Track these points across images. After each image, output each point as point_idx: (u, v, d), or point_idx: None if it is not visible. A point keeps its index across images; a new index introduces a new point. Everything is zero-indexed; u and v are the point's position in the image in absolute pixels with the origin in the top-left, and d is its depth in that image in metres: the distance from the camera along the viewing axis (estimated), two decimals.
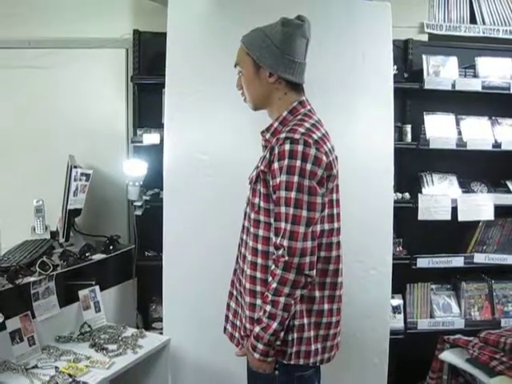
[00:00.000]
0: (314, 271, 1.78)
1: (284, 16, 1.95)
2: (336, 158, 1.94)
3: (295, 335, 1.84)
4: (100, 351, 2.51)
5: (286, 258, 1.73)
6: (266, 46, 1.89)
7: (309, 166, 1.74)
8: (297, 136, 1.76)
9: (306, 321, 1.86)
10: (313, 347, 1.87)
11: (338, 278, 1.93)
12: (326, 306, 1.90)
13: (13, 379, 2.19)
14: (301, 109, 1.93)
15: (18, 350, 2.31)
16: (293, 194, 1.73)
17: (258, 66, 1.93)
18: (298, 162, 1.73)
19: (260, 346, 1.78)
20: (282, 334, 1.78)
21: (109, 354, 2.47)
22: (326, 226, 1.85)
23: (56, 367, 2.30)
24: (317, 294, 1.87)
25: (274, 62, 1.89)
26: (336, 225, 1.89)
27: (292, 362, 1.84)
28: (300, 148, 1.74)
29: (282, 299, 1.74)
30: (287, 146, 1.75)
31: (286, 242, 1.73)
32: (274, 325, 1.75)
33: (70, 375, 2.21)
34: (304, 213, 1.73)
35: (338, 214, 1.93)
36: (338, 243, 1.93)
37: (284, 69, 1.89)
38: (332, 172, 1.84)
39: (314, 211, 1.75)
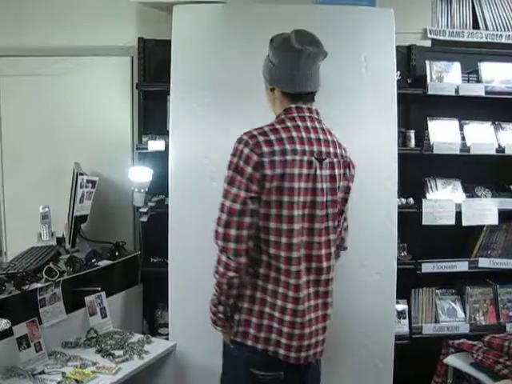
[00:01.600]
0: (242, 259, 1.92)
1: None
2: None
3: (242, 316, 2.00)
4: (106, 357, 2.52)
5: (215, 240, 1.95)
6: (265, 62, 2.10)
7: (240, 163, 1.90)
8: (244, 137, 1.95)
9: (252, 306, 1.99)
10: (262, 335, 1.97)
11: (299, 279, 1.95)
12: (269, 299, 1.97)
13: None
14: (294, 113, 2.03)
15: (25, 355, 2.33)
16: (224, 186, 1.94)
17: (265, 80, 2.12)
18: (234, 159, 1.93)
19: (209, 314, 2.07)
20: (220, 307, 2.02)
21: (115, 360, 2.48)
22: (284, 226, 1.92)
23: (63, 373, 2.31)
24: (269, 286, 1.97)
25: (269, 75, 2.08)
26: (296, 226, 1.93)
27: (238, 340, 2.01)
28: (239, 147, 1.93)
29: (216, 276, 1.98)
30: (235, 145, 1.96)
31: (214, 226, 1.95)
32: (212, 297, 2.03)
33: (76, 381, 2.22)
34: (227, 203, 1.91)
35: (302, 216, 1.97)
36: (299, 244, 1.96)
37: (275, 81, 2.06)
38: (265, 172, 1.89)
39: (236, 203, 1.89)
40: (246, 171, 1.89)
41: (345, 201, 2.14)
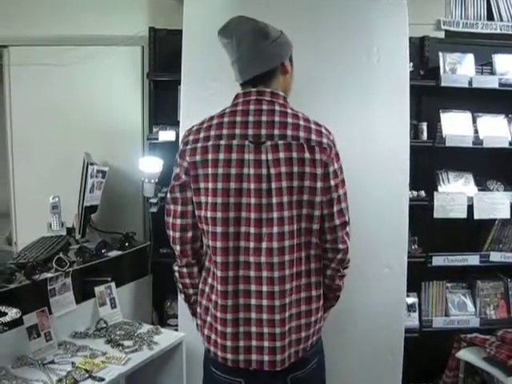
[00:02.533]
0: (183, 260, 1.96)
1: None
2: (219, 145, 1.84)
3: (198, 309, 1.98)
4: (116, 347, 2.52)
5: None
6: None
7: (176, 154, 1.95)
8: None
9: (201, 300, 1.96)
10: (206, 332, 1.94)
11: (226, 271, 1.83)
12: (208, 293, 1.91)
13: (30, 374, 2.21)
14: (239, 98, 1.94)
15: (34, 345, 2.34)
16: None
17: None
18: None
19: None
20: (184, 298, 2.06)
21: (125, 350, 2.48)
22: (209, 214, 1.82)
23: (72, 363, 2.32)
24: (209, 280, 1.92)
25: None
26: (220, 214, 1.80)
27: (198, 331, 2.02)
28: None
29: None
30: None
31: None
32: None
33: (86, 371, 2.22)
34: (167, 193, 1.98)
35: (227, 204, 1.82)
36: (224, 234, 1.82)
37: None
38: (187, 159, 1.86)
39: (168, 192, 1.96)
40: (176, 161, 1.92)
41: (313, 190, 1.82)
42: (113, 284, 2.88)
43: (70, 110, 3.39)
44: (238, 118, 1.86)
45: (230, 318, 1.82)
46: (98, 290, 2.82)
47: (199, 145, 1.84)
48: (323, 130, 1.89)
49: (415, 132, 3.33)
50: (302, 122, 1.86)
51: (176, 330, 2.89)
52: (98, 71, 3.39)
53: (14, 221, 3.52)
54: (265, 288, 1.80)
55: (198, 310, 1.96)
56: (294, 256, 1.83)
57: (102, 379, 2.18)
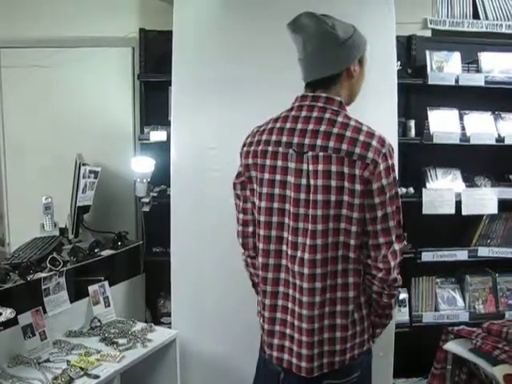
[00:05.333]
0: (246, 252, 2.03)
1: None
2: (266, 151, 1.85)
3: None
4: (110, 345, 2.55)
5: None
6: None
7: None
8: None
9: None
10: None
11: (266, 272, 1.88)
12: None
13: (26, 373, 2.23)
14: (296, 102, 1.90)
15: (30, 344, 2.36)
16: None
17: None
18: None
19: None
20: (252, 285, 2.09)
21: (119, 348, 2.51)
22: (256, 216, 1.91)
23: (67, 361, 2.34)
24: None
25: None
26: (263, 218, 1.86)
27: None
28: None
29: None
30: None
31: None
32: None
33: (81, 368, 2.25)
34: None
35: (271, 208, 1.86)
36: (267, 236, 1.86)
37: None
38: (242, 161, 1.94)
39: (234, 198, 2.03)
40: (239, 170, 1.98)
41: (351, 205, 1.74)
42: (106, 283, 2.91)
43: (62, 111, 3.40)
44: (288, 125, 1.84)
45: (268, 316, 1.88)
46: (91, 289, 2.84)
47: (252, 148, 1.88)
48: (373, 143, 1.76)
49: (403, 129, 3.36)
50: (348, 133, 1.77)
51: (169, 327, 2.92)
52: (89, 73, 3.39)
53: (6, 222, 3.53)
54: (297, 295, 1.81)
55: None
56: (327, 269, 1.78)
57: (97, 376, 2.21)
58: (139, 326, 2.82)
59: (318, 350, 1.81)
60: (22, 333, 2.34)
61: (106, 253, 3.02)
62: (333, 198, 1.75)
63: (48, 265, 2.56)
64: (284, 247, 1.84)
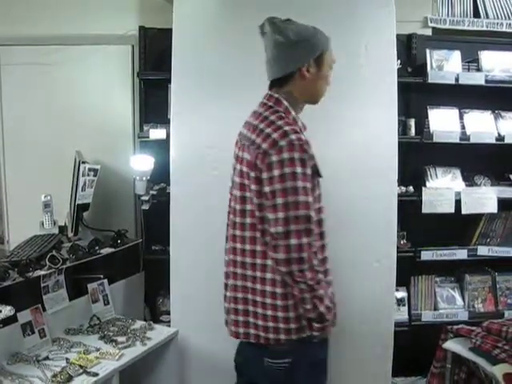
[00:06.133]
0: None
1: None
2: (242, 145, 2.08)
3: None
4: (109, 343, 2.55)
5: None
6: None
7: None
8: None
9: None
10: None
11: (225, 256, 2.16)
12: None
13: (25, 370, 2.23)
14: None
15: (29, 341, 2.37)
16: None
17: None
18: None
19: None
20: None
21: (118, 346, 2.51)
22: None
23: (67, 358, 2.34)
24: None
25: None
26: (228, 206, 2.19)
27: None
28: None
29: None
30: None
31: None
32: None
33: (80, 366, 2.25)
34: None
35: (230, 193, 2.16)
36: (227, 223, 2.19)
37: None
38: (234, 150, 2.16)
39: None
40: None
41: (249, 188, 1.99)
42: (105, 281, 2.91)
43: (61, 109, 3.40)
44: (248, 119, 2.10)
45: (224, 294, 2.19)
46: (90, 286, 2.84)
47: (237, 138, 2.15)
48: (273, 135, 1.91)
49: (403, 128, 3.36)
50: (262, 125, 1.97)
51: (168, 325, 2.92)
52: (88, 70, 3.40)
53: (6, 219, 3.53)
54: (232, 268, 2.10)
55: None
56: (243, 246, 2.03)
57: (96, 374, 2.21)
58: (138, 324, 2.83)
59: (243, 319, 2.05)
60: (22, 330, 2.34)
61: (106, 251, 3.02)
62: (241, 180, 2.02)
63: (47, 263, 2.56)
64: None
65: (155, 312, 3.35)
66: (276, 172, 1.88)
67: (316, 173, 2.01)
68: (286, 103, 2.03)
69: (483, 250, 3.42)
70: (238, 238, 2.04)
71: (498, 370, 2.32)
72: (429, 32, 3.60)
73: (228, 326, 2.14)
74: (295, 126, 1.97)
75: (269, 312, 1.98)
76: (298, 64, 2.02)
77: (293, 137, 1.89)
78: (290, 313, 1.96)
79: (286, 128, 1.91)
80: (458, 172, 3.46)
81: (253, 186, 1.95)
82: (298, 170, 1.87)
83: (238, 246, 2.05)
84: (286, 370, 2.00)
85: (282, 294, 1.96)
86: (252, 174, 1.95)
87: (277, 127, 1.92)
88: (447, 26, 3.60)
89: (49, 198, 3.03)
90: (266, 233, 1.95)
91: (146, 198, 3.19)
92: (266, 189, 1.90)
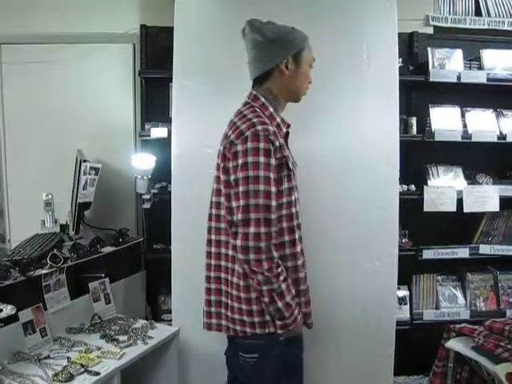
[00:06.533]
0: None
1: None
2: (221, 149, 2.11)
3: None
4: (111, 342, 2.55)
5: None
6: None
7: None
8: None
9: None
10: None
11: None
12: None
13: (26, 369, 2.23)
14: None
15: (30, 340, 2.37)
16: None
17: None
18: None
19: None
20: None
21: (120, 345, 2.51)
22: None
23: (68, 357, 2.34)
24: None
25: None
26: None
27: None
28: None
29: None
30: None
31: None
32: None
33: (82, 365, 2.25)
34: None
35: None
36: None
37: None
38: None
39: None
40: None
41: (219, 180, 2.10)
42: (107, 280, 2.91)
43: (63, 107, 3.40)
44: (231, 117, 2.13)
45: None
46: (92, 285, 2.84)
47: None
48: (241, 126, 2.00)
49: (405, 127, 3.36)
50: (236, 120, 2.06)
51: (170, 324, 2.91)
52: (89, 69, 3.40)
53: (7, 218, 3.53)
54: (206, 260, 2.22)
55: None
56: (218, 237, 2.11)
57: (98, 373, 2.21)
58: (140, 322, 2.83)
59: (216, 310, 2.13)
60: (23, 329, 2.34)
61: (107, 249, 3.02)
62: (217, 173, 2.09)
63: (49, 261, 2.56)
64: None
65: (156, 311, 3.35)
66: (240, 161, 1.94)
67: (286, 165, 2.02)
68: (262, 99, 2.11)
69: (485, 249, 3.41)
70: (214, 229, 2.12)
71: (501, 369, 2.31)
72: (430, 30, 3.59)
73: (203, 318, 2.20)
74: (266, 119, 2.03)
75: (235, 304, 2.03)
76: (276, 61, 2.09)
77: (259, 127, 1.95)
78: (252, 306, 2.00)
79: (254, 120, 1.98)
80: (459, 170, 3.46)
81: (222, 177, 2.04)
82: (261, 159, 1.92)
83: (213, 237, 2.12)
84: (256, 365, 2.03)
85: (244, 287, 2.00)
86: (222, 165, 2.04)
87: (246, 120, 2.01)
88: (449, 25, 3.60)
89: (50, 196, 3.03)
90: (221, 218, 2.06)
91: (147, 196, 3.19)
92: (232, 177, 1.98)
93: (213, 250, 2.13)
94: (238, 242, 1.93)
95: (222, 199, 2.05)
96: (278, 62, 2.09)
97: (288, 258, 2.04)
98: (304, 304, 2.12)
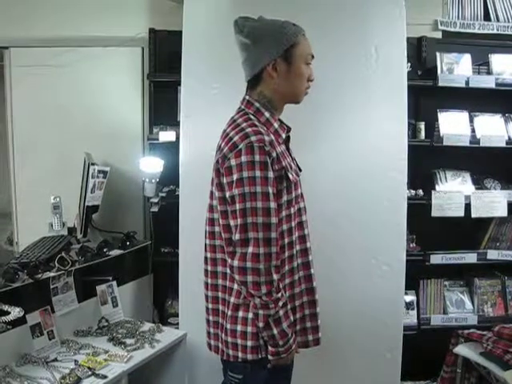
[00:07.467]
0: None
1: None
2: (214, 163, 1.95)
3: None
4: (118, 345, 2.55)
5: None
6: None
7: None
8: None
9: None
10: None
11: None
12: None
13: (34, 372, 2.23)
14: None
15: (38, 343, 2.36)
16: None
17: None
18: None
19: None
20: None
21: (127, 348, 2.51)
22: None
23: (75, 360, 2.34)
24: None
25: None
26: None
27: None
28: None
29: None
30: None
31: None
32: None
33: (89, 368, 2.25)
34: None
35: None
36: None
37: None
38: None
39: None
40: None
41: (215, 196, 1.93)
42: (114, 283, 2.91)
43: (71, 110, 3.41)
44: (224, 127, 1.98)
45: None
46: (99, 288, 2.84)
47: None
48: (235, 138, 1.83)
49: (413, 131, 3.36)
50: (229, 130, 1.90)
51: (177, 328, 2.92)
52: (98, 72, 3.41)
53: (15, 221, 3.54)
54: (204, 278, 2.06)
55: None
56: (214, 255, 1.98)
57: (105, 376, 2.21)
58: (147, 326, 2.83)
59: (214, 331, 2.03)
60: (31, 332, 2.34)
61: (115, 253, 3.02)
62: (211, 188, 1.95)
63: (56, 264, 2.56)
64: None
65: (164, 314, 3.35)
66: (235, 176, 1.79)
67: (285, 176, 1.88)
68: (257, 104, 1.95)
69: (493, 254, 3.40)
70: (209, 246, 1.99)
71: (510, 376, 2.30)
72: (439, 35, 3.59)
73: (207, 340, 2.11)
74: (261, 128, 1.86)
75: (228, 325, 1.91)
76: (262, 63, 1.93)
77: (253, 138, 1.80)
78: (247, 327, 1.87)
79: (248, 130, 1.83)
80: (467, 175, 3.45)
81: (216, 193, 1.89)
82: (258, 173, 1.77)
83: (209, 255, 2.00)
84: None
85: (243, 305, 1.89)
86: (216, 180, 1.89)
87: (239, 130, 1.85)
88: (457, 29, 3.60)
89: (58, 199, 3.04)
90: (216, 235, 1.95)
91: (155, 200, 3.20)
92: (227, 194, 1.83)
93: (209, 268, 2.00)
94: (235, 263, 1.80)
95: (216, 215, 1.92)
96: (264, 65, 1.92)
97: (288, 274, 1.95)
98: (309, 317, 2.02)
